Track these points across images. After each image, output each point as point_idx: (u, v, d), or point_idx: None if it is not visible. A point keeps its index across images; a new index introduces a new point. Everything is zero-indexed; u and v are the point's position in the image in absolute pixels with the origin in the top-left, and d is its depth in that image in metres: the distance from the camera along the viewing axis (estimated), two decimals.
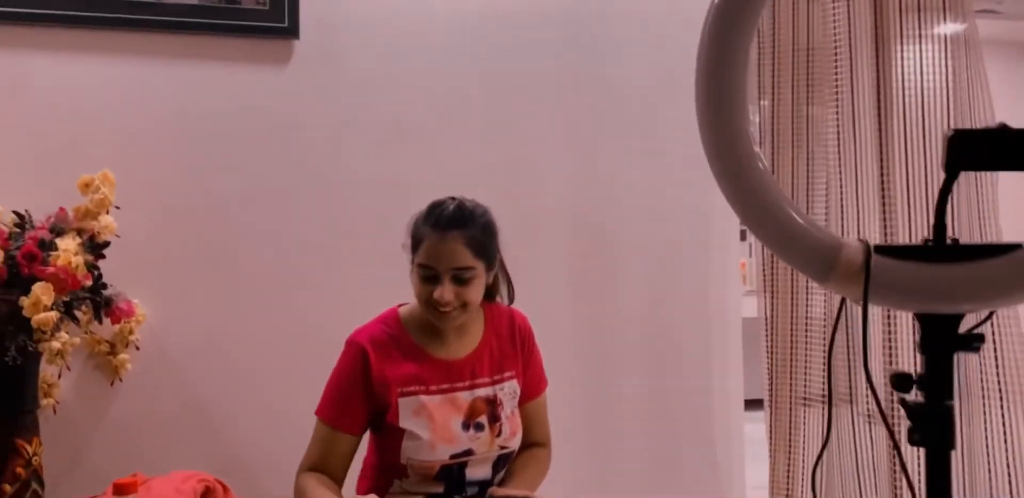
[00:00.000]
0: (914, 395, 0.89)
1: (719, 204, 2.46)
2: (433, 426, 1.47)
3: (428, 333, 1.55)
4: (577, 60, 2.44)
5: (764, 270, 2.21)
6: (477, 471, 1.52)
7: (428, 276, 1.45)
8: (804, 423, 2.16)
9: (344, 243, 2.27)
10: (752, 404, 2.59)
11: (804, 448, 2.15)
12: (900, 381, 0.89)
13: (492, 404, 1.54)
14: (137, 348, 2.10)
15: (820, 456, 2.13)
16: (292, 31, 2.19)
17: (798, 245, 0.95)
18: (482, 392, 1.54)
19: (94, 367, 2.10)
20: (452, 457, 1.47)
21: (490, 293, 1.63)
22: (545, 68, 2.41)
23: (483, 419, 1.52)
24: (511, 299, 1.68)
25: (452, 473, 1.49)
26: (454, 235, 1.45)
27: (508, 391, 1.57)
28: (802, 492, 2.14)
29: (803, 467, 2.15)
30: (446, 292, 1.43)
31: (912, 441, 0.89)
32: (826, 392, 2.11)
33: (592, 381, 2.31)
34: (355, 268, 2.27)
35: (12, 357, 1.78)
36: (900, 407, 0.91)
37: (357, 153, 2.27)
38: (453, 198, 1.52)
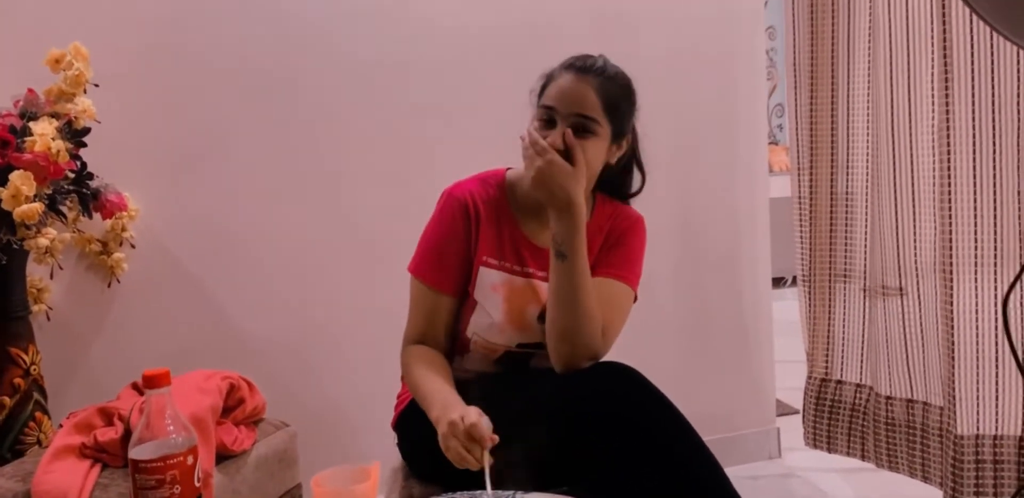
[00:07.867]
0: None
1: (744, 93, 2.39)
2: (508, 308, 1.33)
3: (528, 209, 1.37)
4: None
5: (800, 151, 2.10)
6: (543, 363, 1.38)
7: (546, 118, 1.28)
8: (844, 299, 2.09)
9: (350, 122, 2.08)
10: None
11: (844, 324, 2.09)
12: None
13: None
14: (132, 246, 1.93)
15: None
16: None
17: None
18: None
19: (87, 269, 1.93)
20: (520, 346, 1.36)
21: (616, 187, 1.46)
22: None
23: None
24: (630, 193, 1.49)
25: (515, 361, 1.37)
26: (588, 79, 1.28)
27: None
28: (842, 366, 2.08)
29: (842, 342, 2.09)
30: (557, 136, 1.25)
31: None
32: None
33: None
34: (365, 147, 2.08)
35: None
36: None
37: (358, 28, 2.05)
38: (602, 55, 1.34)
